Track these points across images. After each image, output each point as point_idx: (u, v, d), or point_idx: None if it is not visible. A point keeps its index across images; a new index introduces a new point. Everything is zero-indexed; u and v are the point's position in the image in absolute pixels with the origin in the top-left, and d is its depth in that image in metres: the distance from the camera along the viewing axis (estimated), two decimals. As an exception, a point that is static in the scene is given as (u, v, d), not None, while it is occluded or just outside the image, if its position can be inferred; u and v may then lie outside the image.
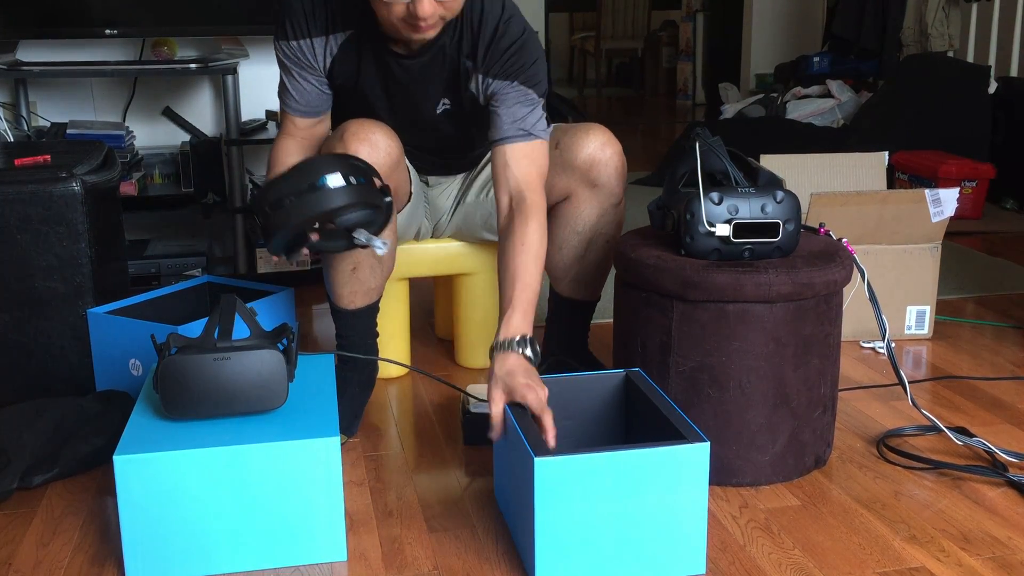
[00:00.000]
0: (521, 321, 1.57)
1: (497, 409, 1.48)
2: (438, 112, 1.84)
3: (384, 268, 1.87)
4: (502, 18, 1.74)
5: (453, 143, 1.97)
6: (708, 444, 1.38)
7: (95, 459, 1.77)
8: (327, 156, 1.56)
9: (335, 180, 1.48)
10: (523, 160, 1.71)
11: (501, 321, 1.57)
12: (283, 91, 1.83)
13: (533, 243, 1.64)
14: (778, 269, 1.61)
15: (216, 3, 2.94)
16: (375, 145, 1.71)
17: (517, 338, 1.54)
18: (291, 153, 1.82)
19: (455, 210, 2.07)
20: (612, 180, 1.89)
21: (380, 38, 1.73)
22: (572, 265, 1.97)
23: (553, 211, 1.92)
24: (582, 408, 1.66)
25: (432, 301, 2.59)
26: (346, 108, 1.84)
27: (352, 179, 1.51)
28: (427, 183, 2.05)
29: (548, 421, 1.45)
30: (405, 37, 1.66)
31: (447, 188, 2.06)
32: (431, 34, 1.65)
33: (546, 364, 2.08)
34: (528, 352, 1.53)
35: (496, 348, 1.54)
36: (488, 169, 2.00)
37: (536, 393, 1.46)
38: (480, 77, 1.76)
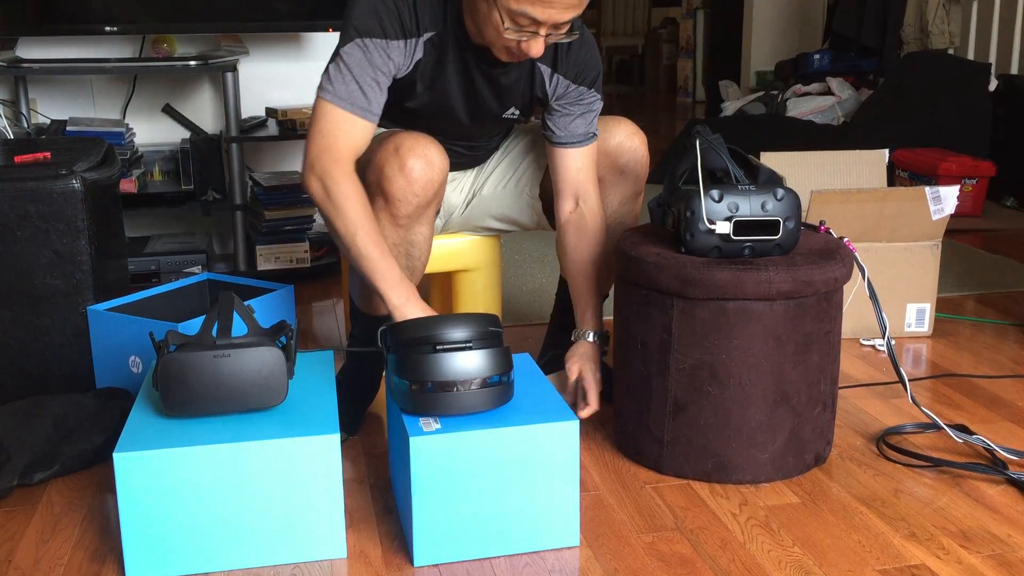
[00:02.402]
0: (599, 313, 1.92)
1: (572, 378, 1.87)
2: (504, 116, 1.88)
3: (414, 279, 1.84)
4: (575, 22, 1.73)
5: (495, 141, 2.03)
6: (577, 422, 1.46)
7: (95, 456, 1.77)
8: (495, 356, 1.48)
9: (507, 367, 1.49)
10: (591, 163, 1.90)
11: (584, 312, 1.92)
12: (350, 93, 1.65)
13: (603, 240, 1.91)
14: (778, 267, 1.61)
15: (216, 0, 2.94)
16: (431, 163, 1.69)
17: (597, 331, 1.91)
18: (364, 195, 1.66)
19: (468, 204, 2.07)
20: (638, 167, 1.96)
21: (464, 44, 1.72)
22: None
23: None
24: None
25: (427, 297, 2.58)
26: (423, 106, 1.79)
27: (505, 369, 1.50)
28: None
29: (590, 412, 1.83)
30: (498, 55, 1.69)
31: (460, 183, 2.06)
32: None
33: (547, 357, 2.08)
34: (603, 345, 1.91)
35: (578, 336, 1.91)
36: (505, 162, 2.05)
37: (596, 391, 1.84)
38: (559, 79, 1.82)
